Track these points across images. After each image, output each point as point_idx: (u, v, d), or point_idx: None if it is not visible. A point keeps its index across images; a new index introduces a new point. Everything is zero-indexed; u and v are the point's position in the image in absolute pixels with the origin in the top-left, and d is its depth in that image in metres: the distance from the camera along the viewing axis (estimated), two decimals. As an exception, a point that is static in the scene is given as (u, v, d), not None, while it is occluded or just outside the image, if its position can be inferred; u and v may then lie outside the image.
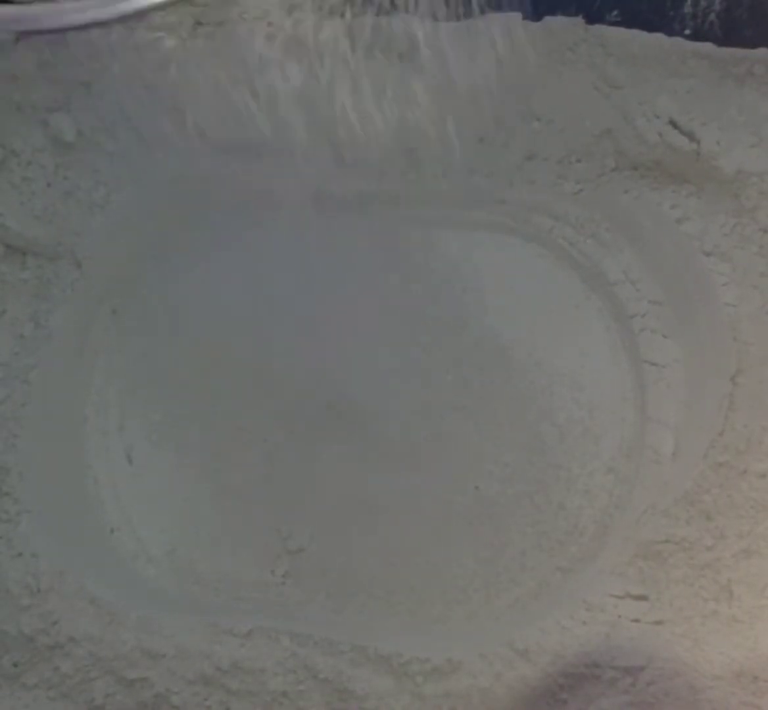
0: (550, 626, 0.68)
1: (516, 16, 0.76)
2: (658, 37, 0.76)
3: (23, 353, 0.76)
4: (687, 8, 0.75)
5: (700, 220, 0.76)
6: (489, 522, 0.77)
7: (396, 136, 0.77)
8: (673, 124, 0.75)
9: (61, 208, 0.77)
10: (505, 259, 0.83)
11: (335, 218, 0.80)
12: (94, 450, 0.81)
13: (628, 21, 0.76)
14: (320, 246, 0.79)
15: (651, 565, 0.69)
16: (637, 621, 0.68)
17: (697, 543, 0.69)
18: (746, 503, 0.70)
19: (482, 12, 0.75)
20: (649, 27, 0.76)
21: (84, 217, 0.78)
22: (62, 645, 0.69)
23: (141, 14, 0.41)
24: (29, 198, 0.77)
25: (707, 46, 0.75)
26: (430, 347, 0.81)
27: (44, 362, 0.76)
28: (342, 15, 0.70)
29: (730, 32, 0.75)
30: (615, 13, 0.76)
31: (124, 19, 0.41)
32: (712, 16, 0.75)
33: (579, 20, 0.76)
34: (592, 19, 0.76)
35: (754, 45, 0.75)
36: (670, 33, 0.76)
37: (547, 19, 0.77)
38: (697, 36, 0.75)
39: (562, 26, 0.76)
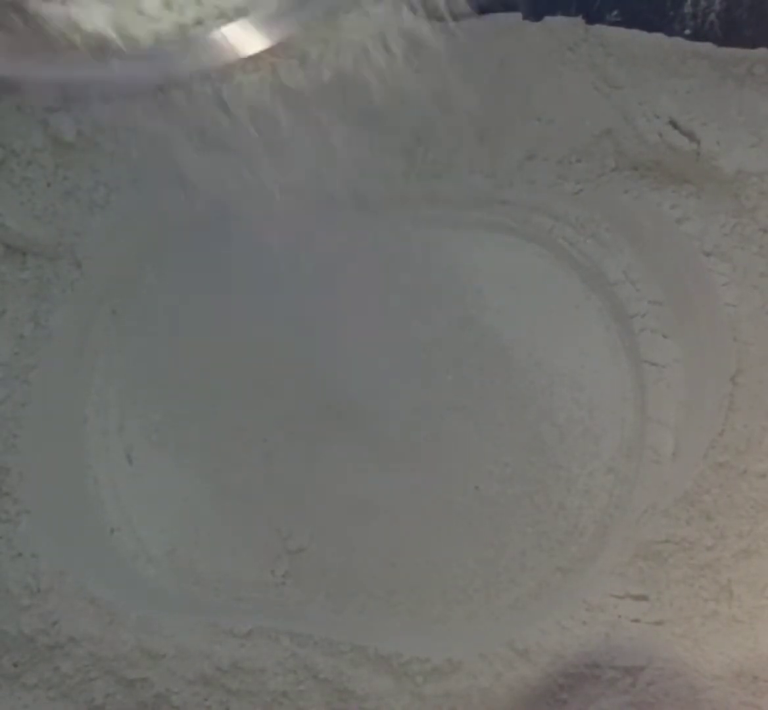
0: (550, 626, 0.68)
1: (516, 16, 0.76)
2: (658, 37, 0.76)
3: (23, 353, 0.76)
4: (687, 8, 0.75)
5: (700, 220, 0.76)
6: (489, 522, 0.77)
7: (396, 136, 0.78)
8: (673, 124, 0.75)
9: (61, 208, 0.77)
10: (505, 259, 0.83)
11: (335, 218, 0.80)
12: (94, 450, 0.80)
13: (628, 21, 0.76)
14: (320, 246, 0.79)
15: (651, 565, 0.69)
16: (637, 621, 0.68)
17: (697, 543, 0.69)
18: (746, 503, 0.70)
19: (482, 12, 0.75)
20: (649, 27, 0.76)
21: (84, 217, 0.78)
22: (62, 645, 0.69)
23: (201, 78, 0.38)
24: (29, 198, 0.77)
25: (707, 46, 0.75)
26: (430, 347, 0.81)
27: (44, 362, 0.76)
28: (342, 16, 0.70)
29: (730, 32, 0.75)
30: (615, 13, 0.76)
31: (182, 83, 0.39)
32: (712, 16, 0.75)
33: (579, 20, 0.76)
34: (592, 19, 0.76)
35: (754, 45, 0.75)
36: (670, 33, 0.76)
37: (547, 19, 0.77)
38: (697, 36, 0.75)
39: (562, 26, 0.76)
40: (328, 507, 0.78)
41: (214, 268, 0.83)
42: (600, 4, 0.76)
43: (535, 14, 0.76)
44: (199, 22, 0.37)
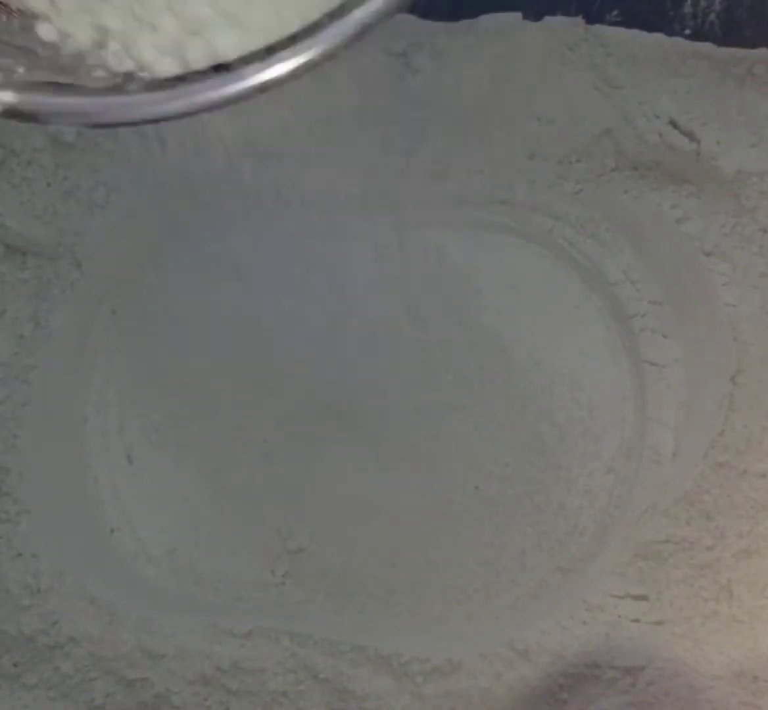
0: (550, 626, 0.68)
1: (516, 16, 0.76)
2: (658, 37, 0.76)
3: (23, 353, 0.76)
4: (687, 8, 0.75)
5: (700, 220, 0.76)
6: (489, 522, 0.77)
7: (395, 137, 0.77)
8: (673, 124, 0.75)
9: (61, 208, 0.77)
10: (505, 259, 0.83)
11: (335, 218, 0.80)
12: (94, 450, 0.80)
13: (628, 21, 0.76)
14: (320, 246, 0.79)
15: (651, 565, 0.69)
16: (637, 621, 0.68)
17: (697, 543, 0.69)
18: (746, 503, 0.70)
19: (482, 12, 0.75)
20: (649, 27, 0.76)
21: (84, 217, 0.78)
22: (62, 645, 0.69)
23: (213, 108, 0.37)
24: (29, 198, 0.77)
25: (707, 46, 0.75)
26: (430, 347, 0.81)
27: (44, 362, 0.76)
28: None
29: (730, 32, 0.75)
30: (615, 13, 0.76)
31: (195, 114, 0.37)
32: (712, 16, 0.75)
33: (579, 20, 0.76)
34: (592, 19, 0.76)
35: (754, 45, 0.75)
36: (670, 33, 0.76)
37: (547, 19, 0.76)
38: (697, 36, 0.75)
39: (562, 26, 0.76)
40: (328, 507, 0.78)
41: (214, 268, 0.83)
42: (600, 4, 0.76)
43: (535, 14, 0.76)
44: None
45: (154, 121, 0.36)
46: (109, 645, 0.69)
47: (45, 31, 0.35)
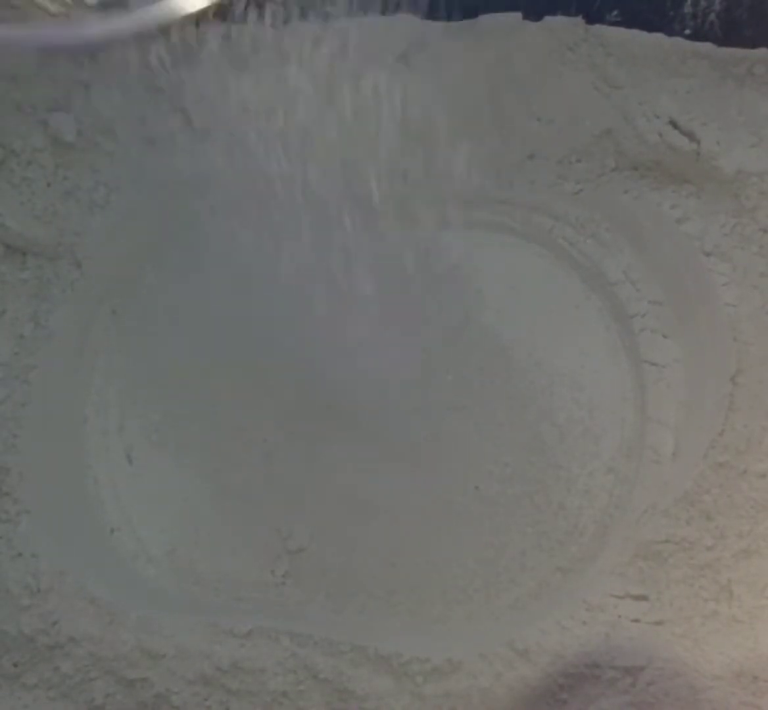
0: (550, 626, 0.68)
1: (516, 16, 0.76)
2: (658, 37, 0.76)
3: (23, 353, 0.76)
4: (687, 8, 0.75)
5: (700, 220, 0.76)
6: (489, 522, 0.77)
7: (396, 136, 0.77)
8: (673, 124, 0.75)
9: (61, 208, 0.77)
10: (505, 258, 0.83)
11: (335, 218, 0.80)
12: (94, 450, 0.81)
13: (628, 21, 0.76)
14: (320, 246, 0.79)
15: (651, 565, 0.69)
16: (637, 621, 0.68)
17: (697, 543, 0.69)
18: (746, 503, 0.70)
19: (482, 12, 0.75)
20: (649, 27, 0.76)
21: (84, 217, 0.78)
22: (62, 645, 0.69)
23: (162, 30, 0.42)
24: (29, 198, 0.77)
25: (707, 46, 0.75)
26: (430, 347, 0.81)
27: (44, 362, 0.76)
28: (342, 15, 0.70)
29: (730, 32, 0.75)
30: (615, 13, 0.76)
31: (143, 36, 0.41)
32: (712, 16, 0.75)
33: (579, 20, 0.76)
34: (592, 19, 0.76)
35: (754, 45, 0.75)
36: (670, 33, 0.76)
37: (547, 19, 0.77)
38: (697, 36, 0.75)
39: (562, 26, 0.76)
40: (328, 507, 0.78)
41: (214, 268, 0.83)
42: (600, 4, 0.76)
43: (535, 14, 0.76)
44: None
45: (100, 42, 0.40)
46: (109, 645, 0.69)
47: None
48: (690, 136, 0.74)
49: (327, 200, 0.79)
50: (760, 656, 0.66)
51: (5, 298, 0.77)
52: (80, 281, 0.78)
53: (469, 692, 0.67)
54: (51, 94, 0.76)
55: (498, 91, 0.77)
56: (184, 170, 0.78)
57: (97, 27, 0.40)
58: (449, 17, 0.75)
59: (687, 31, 0.76)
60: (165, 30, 0.41)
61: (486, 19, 0.76)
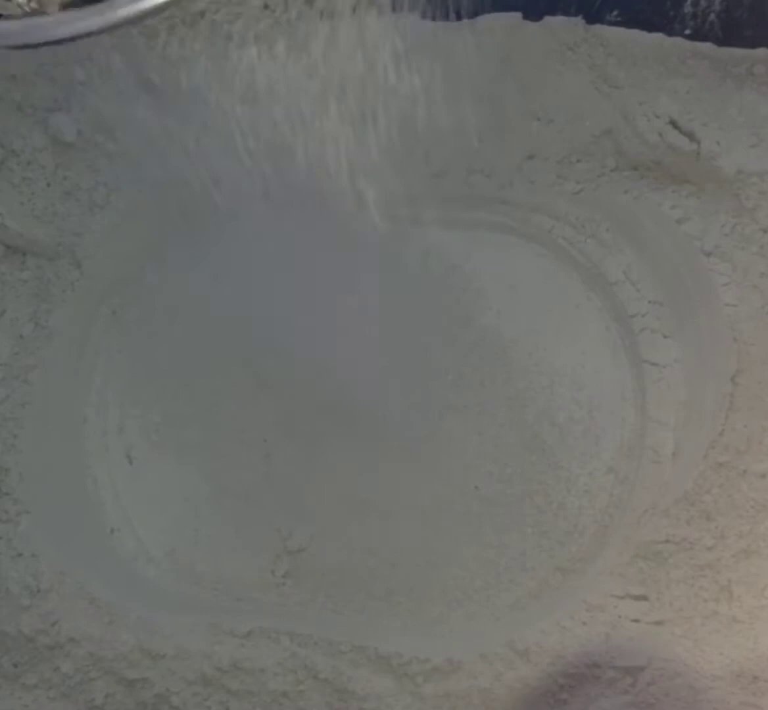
0: (550, 626, 0.68)
1: (516, 16, 0.76)
2: (658, 37, 0.76)
3: (23, 353, 0.76)
4: (687, 8, 0.75)
5: (700, 220, 0.76)
6: (489, 522, 0.77)
7: (395, 136, 0.77)
8: (673, 124, 0.75)
9: (61, 208, 0.77)
10: (505, 258, 0.83)
11: (335, 218, 0.80)
12: (94, 450, 0.81)
13: (628, 21, 0.76)
14: (320, 246, 0.79)
15: (651, 565, 0.69)
16: (637, 621, 0.68)
17: (697, 543, 0.69)
18: (746, 503, 0.70)
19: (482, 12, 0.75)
20: (649, 27, 0.76)
21: (84, 217, 0.78)
22: (62, 645, 0.69)
23: (130, 23, 0.42)
24: (29, 198, 0.77)
25: (707, 46, 0.75)
26: (430, 347, 0.81)
27: (44, 362, 0.76)
28: (343, 15, 0.70)
29: (730, 32, 0.75)
30: (615, 13, 0.76)
31: (113, 29, 0.42)
32: (712, 16, 0.75)
33: (579, 20, 0.76)
34: (592, 19, 0.76)
35: (754, 45, 0.75)
36: (670, 33, 0.76)
37: (547, 19, 0.77)
38: (697, 36, 0.75)
39: (562, 26, 0.76)
40: (328, 507, 0.78)
41: (215, 268, 0.83)
42: (600, 4, 0.76)
43: (535, 14, 0.76)
44: None
45: (72, 38, 0.41)
46: (109, 645, 0.69)
47: None
48: (690, 136, 0.74)
49: (326, 200, 0.79)
50: (760, 656, 0.66)
51: (5, 298, 0.77)
52: (80, 281, 0.78)
53: (469, 692, 0.67)
54: (51, 94, 0.76)
55: (497, 92, 0.77)
56: (184, 170, 0.78)
57: (75, 20, 0.41)
58: (449, 17, 0.75)
59: (687, 31, 0.76)
60: (143, 20, 0.42)
61: (486, 19, 0.76)
